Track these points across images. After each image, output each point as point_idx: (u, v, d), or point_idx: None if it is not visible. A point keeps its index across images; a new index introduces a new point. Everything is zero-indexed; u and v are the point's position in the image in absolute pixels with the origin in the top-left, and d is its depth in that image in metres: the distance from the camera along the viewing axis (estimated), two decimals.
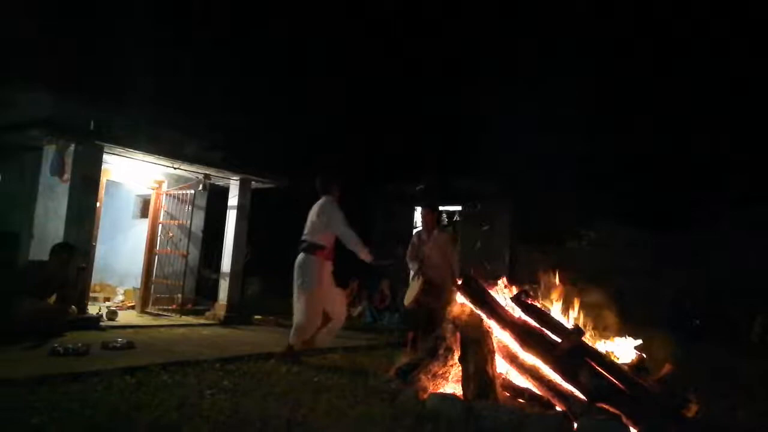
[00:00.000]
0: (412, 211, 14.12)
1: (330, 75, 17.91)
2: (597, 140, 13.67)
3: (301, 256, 5.75)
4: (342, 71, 18.00)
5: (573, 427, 3.58)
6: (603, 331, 4.84)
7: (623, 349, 4.72)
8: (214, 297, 9.33)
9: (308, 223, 5.82)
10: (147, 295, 9.14)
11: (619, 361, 4.40)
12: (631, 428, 3.56)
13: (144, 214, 10.12)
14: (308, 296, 5.64)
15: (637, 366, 4.40)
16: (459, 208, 13.88)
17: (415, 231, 7.29)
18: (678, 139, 13.93)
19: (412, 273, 6.74)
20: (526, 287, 4.66)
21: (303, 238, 5.79)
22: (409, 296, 6.44)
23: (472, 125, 16.34)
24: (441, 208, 13.87)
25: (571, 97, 13.78)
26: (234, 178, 9.31)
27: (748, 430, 4.18)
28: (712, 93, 14.30)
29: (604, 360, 4.14)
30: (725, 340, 9.64)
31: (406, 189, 14.27)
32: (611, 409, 3.68)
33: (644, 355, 4.49)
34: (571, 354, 4.04)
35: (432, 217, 7.00)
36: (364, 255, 5.63)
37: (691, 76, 14.67)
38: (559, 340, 4.14)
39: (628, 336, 4.77)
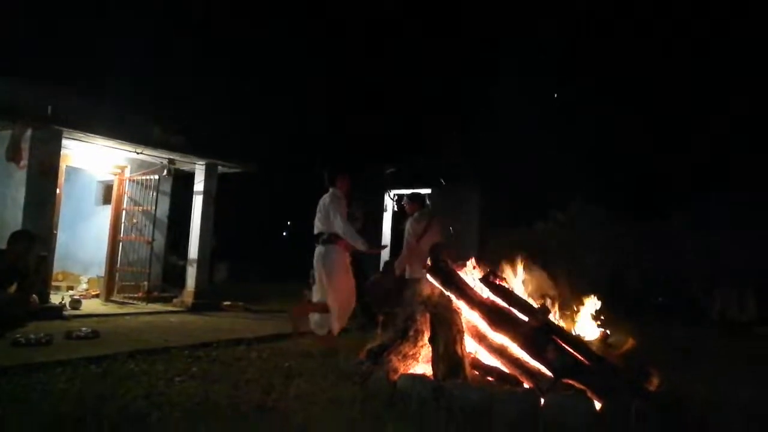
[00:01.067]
0: (383, 193, 14.10)
1: (299, 60, 17.67)
2: (567, 124, 13.86)
3: (320, 248, 5.87)
4: (311, 56, 17.77)
5: (540, 403, 3.65)
6: (568, 309, 4.95)
7: (588, 326, 4.83)
8: (181, 284, 9.19)
9: (317, 216, 5.97)
10: (112, 284, 8.95)
11: (584, 338, 4.50)
12: (596, 402, 3.65)
13: (107, 200, 9.86)
14: (336, 283, 5.76)
15: (602, 342, 4.51)
16: (429, 191, 13.92)
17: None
18: (647, 126, 14.22)
19: None
20: (494, 268, 4.71)
21: (319, 230, 5.92)
22: None
23: (445, 109, 16.37)
24: (408, 191, 13.96)
25: (543, 83, 13.92)
26: (200, 162, 9.13)
27: (707, 403, 4.33)
28: (671, 78, 14.61)
29: (570, 337, 4.23)
30: (687, 316, 9.97)
31: (377, 172, 14.24)
32: (577, 385, 3.76)
33: (608, 332, 4.61)
34: (537, 332, 4.11)
35: (410, 206, 7.23)
36: (361, 246, 5.82)
37: (661, 61, 14.95)
38: (526, 319, 4.21)
39: (592, 305, 4.88)
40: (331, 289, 5.80)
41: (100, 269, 9.28)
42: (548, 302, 4.66)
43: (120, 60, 13.29)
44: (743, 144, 13.00)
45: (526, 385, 3.97)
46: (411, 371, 4.27)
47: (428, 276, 4.70)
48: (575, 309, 4.99)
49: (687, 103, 14.33)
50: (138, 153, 8.46)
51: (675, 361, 5.60)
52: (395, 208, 14.36)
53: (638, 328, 5.54)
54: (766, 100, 13.14)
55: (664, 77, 14.67)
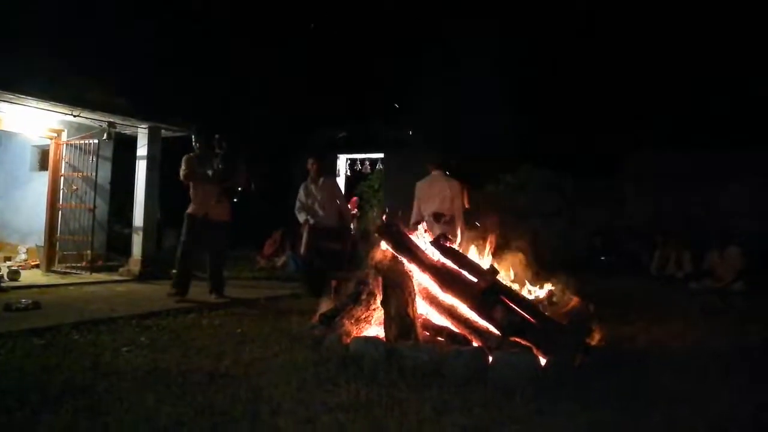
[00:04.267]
0: (335, 158, 14.01)
1: (249, 20, 16.94)
2: (514, 87, 13.95)
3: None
4: (260, 16, 17.07)
5: (488, 360, 3.77)
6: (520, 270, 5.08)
7: (534, 285, 4.98)
8: (127, 252, 8.91)
9: (439, 196, 6.43)
10: (53, 253, 8.60)
11: (530, 297, 4.65)
12: (541, 359, 3.80)
13: (43, 166, 9.38)
14: None
15: (547, 300, 4.67)
16: (381, 155, 13.91)
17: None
18: (593, 87, 14.45)
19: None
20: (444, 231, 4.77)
21: (439, 210, 6.34)
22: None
23: (395, 73, 16.18)
24: (361, 156, 13.96)
25: (486, 46, 13.91)
26: (142, 126, 8.76)
27: (644, 354, 4.58)
28: (624, 38, 14.82)
29: (517, 297, 4.36)
30: (630, 273, 10.45)
31: (329, 136, 14.10)
32: (523, 342, 3.90)
33: (554, 290, 4.77)
34: (486, 293, 4.21)
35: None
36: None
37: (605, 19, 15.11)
38: (476, 280, 4.30)
39: (540, 276, 5.04)
40: None
41: (39, 238, 8.88)
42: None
43: (54, 14, 12.42)
44: (685, 104, 13.45)
45: (475, 344, 4.08)
46: (364, 334, 4.33)
47: (380, 239, 4.72)
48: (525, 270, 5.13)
49: (628, 61, 14.63)
50: (75, 116, 8.04)
51: (617, 316, 5.88)
52: (348, 173, 14.32)
53: (583, 284, 5.75)
54: (706, 62, 13.58)
55: (602, 36, 14.88)
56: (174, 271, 6.79)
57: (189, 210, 6.70)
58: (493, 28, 14.21)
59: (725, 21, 13.48)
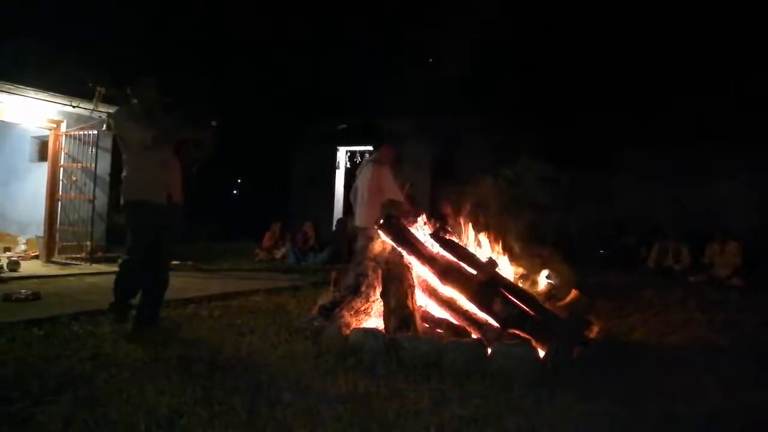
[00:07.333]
0: (335, 150, 13.97)
1: (250, 15, 16.84)
2: (511, 79, 13.92)
3: None
4: (261, 12, 16.98)
5: (487, 352, 3.78)
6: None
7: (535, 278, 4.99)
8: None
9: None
10: (52, 244, 8.59)
11: (529, 290, 4.66)
12: (540, 351, 3.81)
13: (42, 157, 9.36)
14: None
15: (547, 294, 4.68)
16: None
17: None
18: (590, 82, 14.39)
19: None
20: (444, 224, 4.78)
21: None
22: None
23: (396, 65, 16.12)
24: (360, 148, 13.93)
25: (485, 38, 13.85)
26: None
27: (641, 346, 4.60)
28: (623, 33, 14.75)
29: (516, 289, 4.37)
30: (627, 267, 10.45)
31: (328, 128, 14.05)
32: (522, 335, 3.91)
33: (553, 283, 4.78)
34: (485, 285, 4.22)
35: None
36: None
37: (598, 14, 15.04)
38: (475, 273, 4.31)
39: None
40: None
41: (38, 229, 8.88)
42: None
43: (55, 6, 12.36)
44: (682, 99, 13.42)
45: (474, 336, 4.09)
46: (363, 326, 4.34)
47: (380, 232, 4.72)
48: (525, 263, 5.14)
49: (627, 54, 14.56)
50: (74, 107, 8.01)
51: (615, 309, 5.90)
52: (347, 165, 14.29)
53: (581, 278, 5.75)
54: (703, 59, 13.54)
55: (600, 29, 14.82)
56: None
57: (137, 195, 4.36)
58: (490, 20, 14.14)
59: (718, 18, 13.43)
